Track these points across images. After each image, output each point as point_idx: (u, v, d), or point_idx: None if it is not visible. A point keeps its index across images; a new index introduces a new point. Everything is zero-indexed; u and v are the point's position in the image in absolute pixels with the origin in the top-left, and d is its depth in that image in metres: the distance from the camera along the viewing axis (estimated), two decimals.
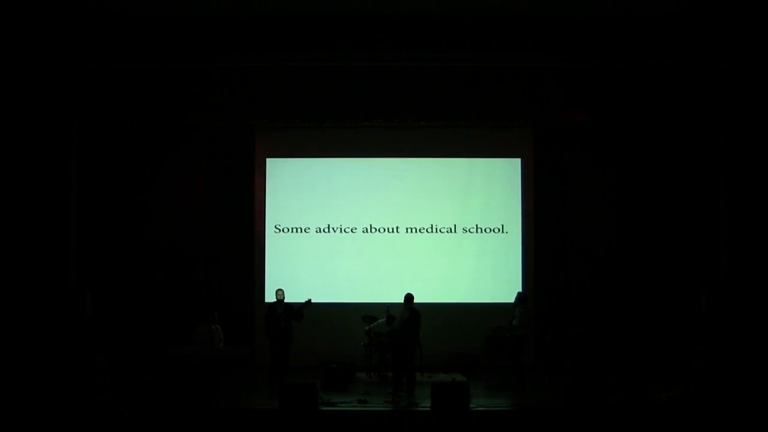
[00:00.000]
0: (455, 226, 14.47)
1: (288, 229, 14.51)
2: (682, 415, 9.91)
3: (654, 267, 13.86)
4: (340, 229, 14.50)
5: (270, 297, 13.60)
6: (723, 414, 9.87)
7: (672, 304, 13.45)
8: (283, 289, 12.85)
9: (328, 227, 14.51)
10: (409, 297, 11.89)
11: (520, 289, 13.66)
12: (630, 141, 14.09)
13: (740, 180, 12.31)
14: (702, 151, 13.23)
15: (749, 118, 12.16)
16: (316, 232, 14.50)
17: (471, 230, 14.46)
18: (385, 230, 14.48)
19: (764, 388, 10.62)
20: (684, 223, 13.63)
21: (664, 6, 11.70)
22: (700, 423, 9.76)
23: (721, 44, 12.01)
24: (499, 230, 14.45)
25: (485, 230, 14.45)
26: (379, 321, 12.90)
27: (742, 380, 10.91)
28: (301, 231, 14.50)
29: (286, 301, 12.77)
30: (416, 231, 14.46)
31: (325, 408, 10.34)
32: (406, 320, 11.70)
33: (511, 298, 12.63)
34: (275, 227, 14.52)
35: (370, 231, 14.49)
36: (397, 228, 14.48)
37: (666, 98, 12.80)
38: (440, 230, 14.46)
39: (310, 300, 12.76)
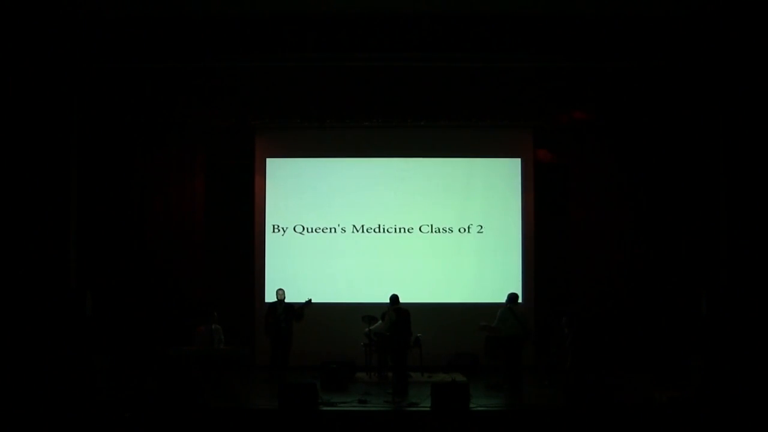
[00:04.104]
0: (455, 226, 14.48)
1: (288, 229, 14.52)
2: (682, 415, 9.90)
3: (654, 266, 13.85)
4: (340, 229, 14.51)
5: (270, 297, 13.61)
6: (723, 414, 9.86)
7: (672, 304, 13.45)
8: (283, 288, 12.86)
9: (328, 227, 14.52)
10: (394, 298, 11.89)
11: (520, 289, 13.69)
12: (630, 141, 14.08)
13: (740, 180, 12.31)
14: (702, 150, 13.22)
15: (749, 117, 12.16)
16: (316, 232, 14.51)
17: (471, 230, 14.46)
18: (385, 230, 14.49)
19: (764, 388, 10.62)
20: (684, 222, 13.62)
21: (664, 6, 11.70)
22: (700, 423, 9.76)
23: (721, 44, 12.01)
24: (499, 230, 14.45)
25: (485, 230, 14.45)
26: (379, 321, 12.90)
27: (742, 380, 10.91)
28: (301, 231, 14.51)
29: (286, 301, 12.78)
30: (416, 231, 14.46)
31: (325, 408, 10.34)
32: (393, 322, 11.69)
33: None
34: (275, 227, 14.53)
35: (370, 231, 14.50)
36: (397, 228, 14.48)
37: (666, 98, 12.81)
38: (440, 230, 14.47)
39: (310, 300, 12.77)
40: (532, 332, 12.86)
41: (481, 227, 14.46)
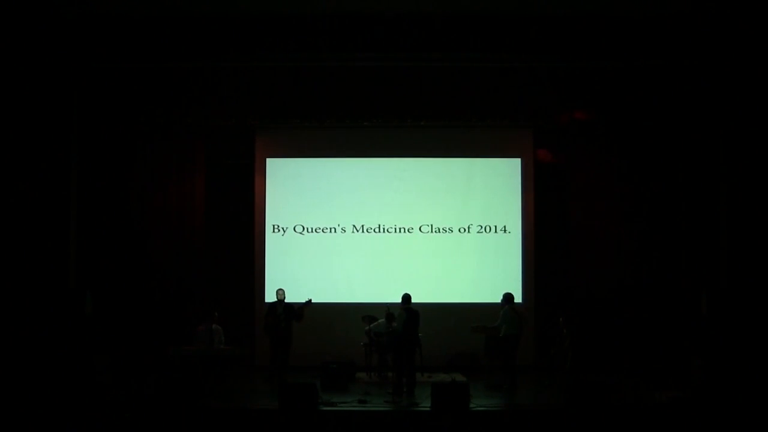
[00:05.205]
0: (455, 226, 14.48)
1: (288, 229, 14.52)
2: (682, 415, 9.90)
3: (654, 267, 13.85)
4: (340, 229, 14.51)
5: (270, 297, 13.61)
6: (723, 414, 9.86)
7: (672, 304, 13.45)
8: (283, 288, 12.86)
9: (328, 227, 14.52)
10: (406, 297, 11.87)
11: (519, 289, 13.71)
12: (630, 141, 14.08)
13: (740, 180, 12.30)
14: (702, 150, 13.22)
15: (749, 117, 12.16)
16: (316, 232, 14.51)
17: (471, 230, 14.47)
18: (385, 230, 14.49)
19: (764, 388, 10.62)
20: (684, 222, 13.62)
21: (664, 6, 11.70)
22: (700, 423, 9.76)
23: (721, 44, 12.01)
24: (499, 230, 14.46)
25: (485, 230, 14.46)
26: (379, 321, 12.91)
27: (742, 380, 10.91)
28: (301, 231, 14.51)
29: (286, 301, 12.78)
30: (416, 231, 14.46)
31: (325, 408, 10.34)
32: (404, 321, 11.69)
33: None
34: (275, 227, 14.53)
35: (370, 231, 14.50)
36: (397, 228, 14.49)
37: (666, 98, 12.81)
38: (440, 230, 14.47)
39: (310, 300, 12.77)
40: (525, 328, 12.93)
41: (482, 227, 14.47)
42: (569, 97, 12.98)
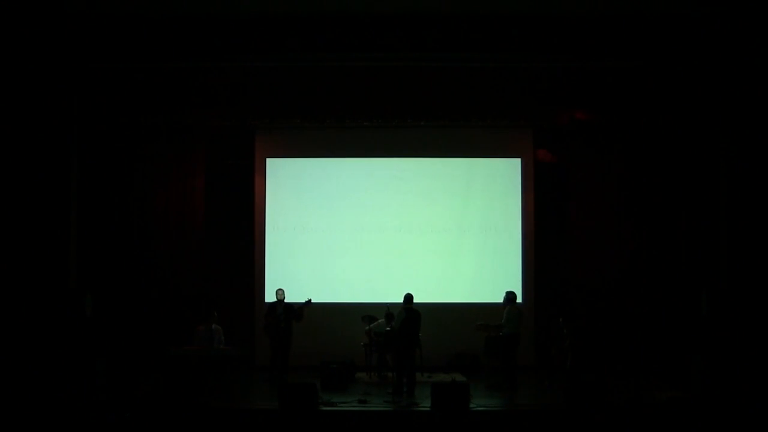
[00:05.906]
0: (455, 226, 14.47)
1: (288, 229, 14.52)
2: (682, 415, 9.90)
3: (654, 266, 13.85)
4: (340, 229, 14.51)
5: (270, 297, 13.61)
6: (723, 414, 9.87)
7: (672, 304, 13.45)
8: (283, 289, 12.86)
9: (328, 227, 14.52)
10: (407, 297, 11.87)
11: (520, 289, 13.70)
12: (630, 141, 14.08)
13: (740, 179, 12.30)
14: (702, 150, 13.21)
15: (749, 117, 12.15)
16: (316, 232, 14.51)
17: (471, 230, 14.46)
18: (385, 230, 14.49)
19: (764, 388, 10.62)
20: (684, 222, 13.61)
21: (664, 6, 11.69)
22: (700, 423, 9.76)
23: (721, 44, 12.00)
24: (499, 230, 14.46)
25: (485, 230, 14.46)
26: (379, 321, 12.93)
27: (742, 380, 10.91)
28: (301, 231, 14.51)
29: (286, 301, 12.78)
30: (416, 231, 14.46)
31: (325, 408, 10.34)
32: (403, 320, 11.69)
33: None
34: (275, 227, 14.52)
35: (370, 231, 14.49)
36: (397, 228, 14.48)
37: (666, 98, 12.80)
38: (440, 230, 14.47)
39: (310, 300, 12.77)
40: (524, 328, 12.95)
41: (482, 227, 14.46)
42: (569, 97, 12.97)
